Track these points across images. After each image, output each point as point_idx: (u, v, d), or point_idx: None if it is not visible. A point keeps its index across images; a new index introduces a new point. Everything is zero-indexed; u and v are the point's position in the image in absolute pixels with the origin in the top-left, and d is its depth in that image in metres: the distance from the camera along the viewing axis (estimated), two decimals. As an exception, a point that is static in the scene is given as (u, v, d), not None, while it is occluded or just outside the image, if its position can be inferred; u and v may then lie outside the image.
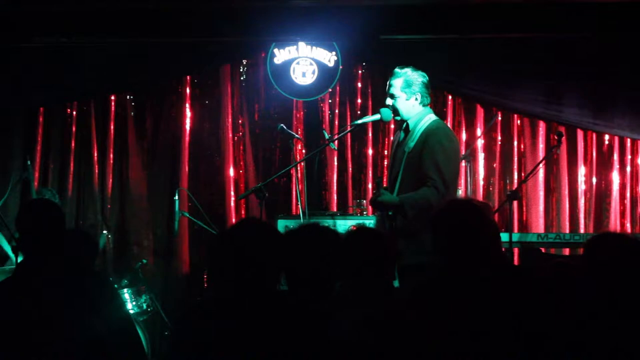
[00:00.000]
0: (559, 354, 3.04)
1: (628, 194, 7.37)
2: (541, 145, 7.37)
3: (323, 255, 3.43)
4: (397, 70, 5.17)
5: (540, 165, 6.79)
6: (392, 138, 6.78)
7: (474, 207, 3.35)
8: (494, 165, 7.46)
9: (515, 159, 7.45)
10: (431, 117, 5.17)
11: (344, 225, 6.14)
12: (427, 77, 5.19)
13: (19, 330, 3.45)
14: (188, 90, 7.65)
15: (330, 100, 7.59)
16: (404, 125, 5.20)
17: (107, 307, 3.68)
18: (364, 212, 6.51)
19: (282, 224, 6.21)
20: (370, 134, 7.57)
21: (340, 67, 7.37)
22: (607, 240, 3.27)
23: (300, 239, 3.51)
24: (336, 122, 7.54)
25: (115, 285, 6.34)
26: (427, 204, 4.82)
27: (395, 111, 5.17)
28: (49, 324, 3.47)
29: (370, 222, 6.01)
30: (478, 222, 3.27)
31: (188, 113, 7.64)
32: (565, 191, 7.34)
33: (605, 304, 3.05)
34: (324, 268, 3.44)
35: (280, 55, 7.39)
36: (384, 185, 5.24)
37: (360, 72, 7.61)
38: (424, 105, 5.19)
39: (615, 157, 7.36)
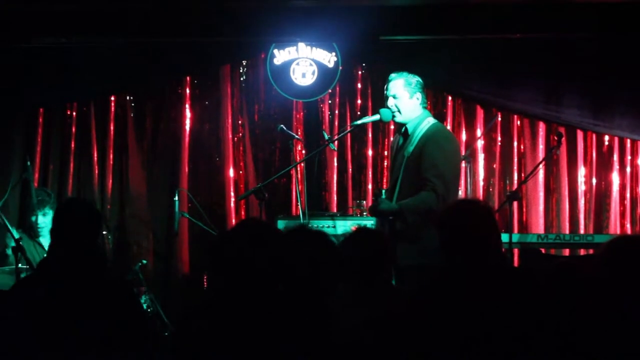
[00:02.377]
0: (562, 355, 3.04)
1: (628, 195, 7.37)
2: (541, 146, 7.37)
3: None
4: (393, 75, 5.23)
5: (540, 165, 6.79)
6: (391, 139, 6.77)
7: (479, 209, 3.35)
8: (494, 166, 7.46)
9: (515, 159, 7.45)
10: (430, 121, 5.18)
11: (343, 226, 6.14)
12: (422, 79, 5.23)
13: (43, 325, 3.42)
14: (188, 91, 7.65)
15: (330, 101, 7.59)
16: (403, 130, 5.20)
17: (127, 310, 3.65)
18: (364, 213, 6.51)
19: (282, 225, 6.20)
20: (370, 135, 7.57)
21: (340, 67, 7.37)
22: (629, 243, 3.23)
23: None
24: (336, 123, 7.54)
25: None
26: (426, 208, 4.83)
27: (395, 113, 5.17)
28: (72, 323, 3.43)
29: (370, 222, 6.02)
30: (483, 224, 3.27)
31: (188, 114, 7.64)
32: (565, 192, 7.34)
33: (622, 307, 3.02)
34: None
35: (280, 56, 7.39)
36: (382, 188, 5.27)
37: (360, 72, 7.61)
38: (423, 107, 5.20)
39: (615, 157, 7.36)
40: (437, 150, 5.00)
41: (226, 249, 3.15)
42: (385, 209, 4.96)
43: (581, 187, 7.37)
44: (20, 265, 5.15)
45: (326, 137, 5.70)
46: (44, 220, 6.51)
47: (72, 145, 7.59)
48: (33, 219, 6.48)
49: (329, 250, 3.33)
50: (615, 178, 7.36)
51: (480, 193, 7.35)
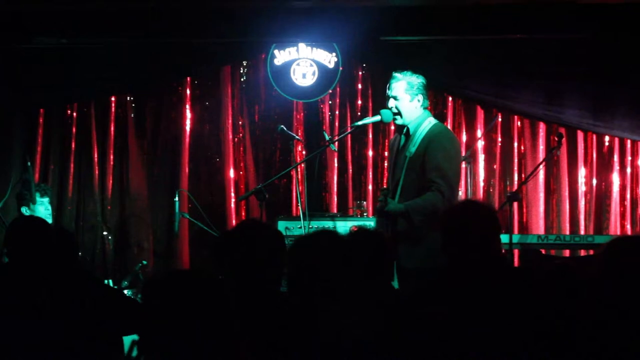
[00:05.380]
0: (562, 355, 3.04)
1: (628, 196, 7.37)
2: (541, 147, 7.37)
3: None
4: (396, 74, 5.20)
5: (541, 166, 6.79)
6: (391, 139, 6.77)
7: (482, 210, 3.35)
8: (494, 167, 7.46)
9: (516, 160, 7.45)
10: (431, 121, 5.18)
11: (344, 226, 6.14)
12: (425, 80, 5.21)
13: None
14: (188, 91, 7.64)
15: (330, 102, 7.59)
16: (404, 130, 5.20)
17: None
18: (364, 214, 6.51)
19: (282, 225, 6.20)
20: (370, 136, 7.57)
21: (341, 68, 7.37)
22: (629, 244, 3.22)
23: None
24: (336, 124, 7.54)
25: (114, 286, 6.35)
26: (433, 209, 4.82)
27: (396, 114, 5.17)
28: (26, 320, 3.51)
29: (370, 223, 6.01)
30: (485, 225, 3.27)
31: (188, 114, 7.63)
32: (566, 192, 7.34)
33: (621, 307, 3.02)
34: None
35: (281, 57, 7.39)
36: (384, 187, 5.26)
37: (360, 73, 7.60)
38: (424, 108, 5.20)
39: (616, 158, 7.36)
40: (440, 151, 5.00)
41: (226, 249, 3.14)
42: (392, 209, 4.95)
43: (581, 188, 7.37)
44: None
45: (327, 137, 5.70)
46: (49, 208, 6.54)
47: (73, 146, 7.58)
48: (38, 206, 6.48)
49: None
50: (615, 179, 7.36)
51: (480, 194, 7.35)
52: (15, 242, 3.81)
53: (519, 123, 7.46)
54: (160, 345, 2.67)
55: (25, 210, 6.52)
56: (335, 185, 7.55)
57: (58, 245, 3.97)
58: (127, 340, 4.16)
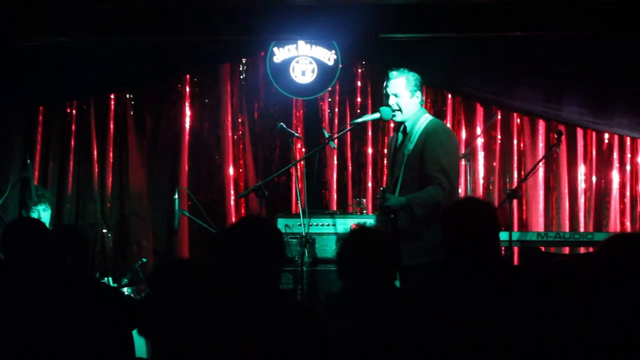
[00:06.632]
0: (560, 354, 3.04)
1: (628, 193, 7.37)
2: (541, 144, 7.37)
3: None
4: (392, 72, 5.22)
5: (540, 164, 6.79)
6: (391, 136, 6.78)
7: (481, 207, 3.35)
8: (494, 164, 7.46)
9: (515, 157, 7.45)
10: (427, 117, 5.20)
11: (344, 224, 6.14)
12: (421, 77, 5.24)
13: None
14: (188, 89, 7.65)
15: (330, 99, 7.59)
16: (401, 128, 5.21)
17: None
18: (364, 211, 6.51)
19: (282, 223, 6.20)
20: (370, 133, 7.57)
21: (340, 65, 7.36)
22: (627, 241, 3.22)
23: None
24: (336, 121, 7.55)
25: (114, 284, 6.36)
26: (434, 202, 4.85)
27: (396, 111, 5.18)
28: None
29: (370, 221, 6.01)
30: (484, 223, 3.27)
31: (188, 112, 7.64)
32: (565, 190, 7.34)
33: (618, 305, 3.03)
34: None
35: (280, 54, 7.39)
36: (384, 186, 5.27)
37: (360, 70, 7.61)
38: (421, 105, 5.22)
39: (615, 155, 7.35)
40: (439, 146, 5.02)
41: (227, 245, 3.15)
42: (393, 204, 4.96)
43: (581, 185, 7.37)
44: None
45: (326, 135, 5.71)
46: (45, 216, 6.53)
47: (72, 144, 7.60)
48: (32, 214, 6.49)
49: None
50: (615, 176, 7.36)
51: (480, 191, 7.35)
52: (11, 243, 3.81)
53: (518, 120, 7.46)
54: (163, 337, 2.68)
55: (32, 213, 6.53)
56: (334, 183, 7.55)
57: (58, 246, 3.96)
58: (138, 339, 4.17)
